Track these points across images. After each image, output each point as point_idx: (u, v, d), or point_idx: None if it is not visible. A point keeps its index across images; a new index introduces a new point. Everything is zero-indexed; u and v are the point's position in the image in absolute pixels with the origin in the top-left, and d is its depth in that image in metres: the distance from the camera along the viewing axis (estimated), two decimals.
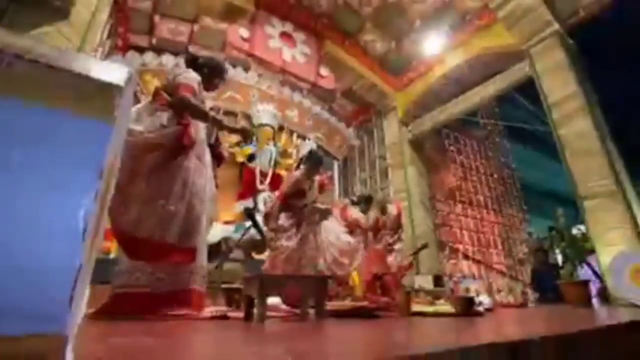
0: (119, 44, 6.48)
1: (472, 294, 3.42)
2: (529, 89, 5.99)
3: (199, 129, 1.93)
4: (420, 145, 7.57)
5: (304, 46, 6.64)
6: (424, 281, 4.42)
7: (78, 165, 0.36)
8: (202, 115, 1.86)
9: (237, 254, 3.52)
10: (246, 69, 7.04)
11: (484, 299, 3.14)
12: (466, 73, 6.59)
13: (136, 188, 1.67)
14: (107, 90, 0.37)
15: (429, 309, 2.03)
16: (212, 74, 2.12)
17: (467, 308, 1.89)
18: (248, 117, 6.08)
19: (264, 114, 6.17)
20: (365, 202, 3.67)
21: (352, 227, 3.50)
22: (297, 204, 2.67)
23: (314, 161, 2.84)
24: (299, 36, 6.64)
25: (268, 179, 5.34)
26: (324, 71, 6.83)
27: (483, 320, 1.67)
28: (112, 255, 4.47)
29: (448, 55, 6.48)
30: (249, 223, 3.01)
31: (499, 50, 5.82)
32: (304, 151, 6.87)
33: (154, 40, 6.96)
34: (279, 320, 1.89)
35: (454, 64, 6.43)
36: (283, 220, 2.62)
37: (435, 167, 8.02)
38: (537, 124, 7.65)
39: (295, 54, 6.48)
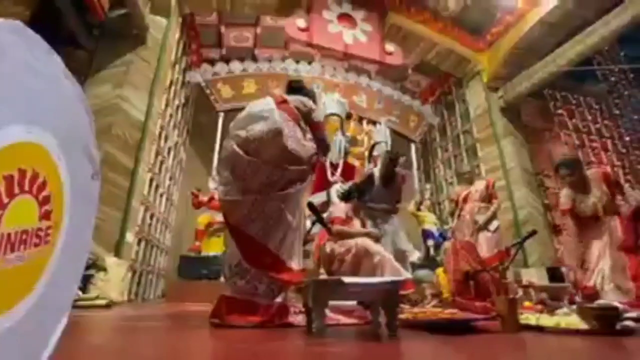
0: (194, 60, 6.99)
1: (606, 285, 2.56)
2: None
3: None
4: (516, 113, 6.35)
5: (365, 24, 6.15)
6: (535, 275, 3.56)
7: None
8: (326, 151, 2.12)
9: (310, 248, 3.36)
10: (310, 62, 6.90)
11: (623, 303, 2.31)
12: (572, 12, 5.21)
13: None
14: None
15: (548, 321, 1.48)
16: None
17: (609, 324, 1.31)
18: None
19: (330, 103, 5.92)
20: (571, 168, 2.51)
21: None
22: None
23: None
24: (359, 14, 6.18)
25: (339, 170, 5.09)
26: (390, 47, 6.23)
27: None
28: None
29: None
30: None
31: None
32: (377, 137, 6.42)
33: (223, 51, 7.34)
34: (344, 329, 1.62)
35: (554, 2, 5.14)
36: None
37: (538, 137, 6.67)
38: None
39: (356, 34, 6.05)
